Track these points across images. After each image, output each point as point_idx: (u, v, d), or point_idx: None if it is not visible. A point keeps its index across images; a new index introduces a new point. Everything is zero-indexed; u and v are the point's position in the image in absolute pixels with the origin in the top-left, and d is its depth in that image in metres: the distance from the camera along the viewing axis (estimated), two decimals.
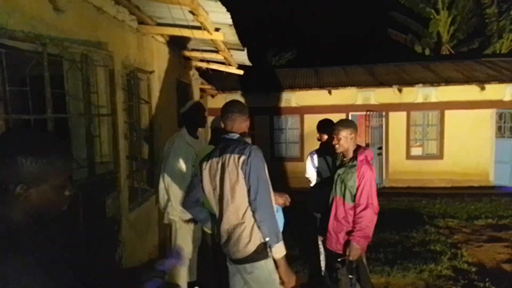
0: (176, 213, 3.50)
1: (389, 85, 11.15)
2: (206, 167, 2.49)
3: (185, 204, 2.71)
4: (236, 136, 2.45)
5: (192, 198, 2.63)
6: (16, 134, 1.15)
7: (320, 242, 3.96)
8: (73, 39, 2.77)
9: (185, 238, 3.56)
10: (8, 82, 2.25)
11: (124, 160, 3.64)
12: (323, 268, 4.04)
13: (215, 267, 3.45)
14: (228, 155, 2.35)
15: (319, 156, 3.97)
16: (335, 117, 3.70)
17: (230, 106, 2.52)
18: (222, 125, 2.53)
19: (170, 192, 3.46)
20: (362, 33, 21.42)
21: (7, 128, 2.15)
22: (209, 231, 3.37)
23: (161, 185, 3.54)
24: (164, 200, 3.57)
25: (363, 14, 21.62)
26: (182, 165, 3.50)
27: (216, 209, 2.50)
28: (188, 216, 3.37)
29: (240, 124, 2.48)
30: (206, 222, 2.69)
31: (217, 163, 2.42)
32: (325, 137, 3.88)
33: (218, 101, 11.52)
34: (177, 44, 5.58)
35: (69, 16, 2.75)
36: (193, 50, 6.03)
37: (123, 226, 3.49)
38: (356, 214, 2.99)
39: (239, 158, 2.30)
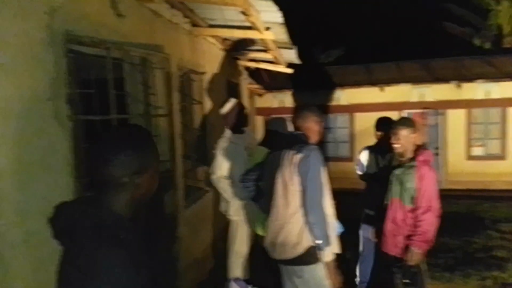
0: (234, 210, 3.59)
1: (447, 80, 10.60)
2: (268, 159, 2.59)
3: (241, 178, 2.90)
4: (301, 134, 2.47)
5: (249, 176, 2.81)
6: (114, 133, 1.31)
7: (361, 246, 3.86)
8: (133, 43, 2.89)
9: (243, 238, 3.64)
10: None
11: (180, 159, 3.76)
12: (357, 274, 3.93)
13: (268, 266, 3.48)
14: (286, 152, 2.38)
15: (370, 152, 3.89)
16: (388, 115, 3.59)
17: (304, 106, 2.62)
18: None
19: (221, 188, 3.54)
20: (415, 27, 20.53)
21: (76, 129, 2.29)
22: (261, 233, 3.43)
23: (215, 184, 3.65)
24: (223, 202, 3.71)
25: (416, 7, 20.71)
26: (229, 164, 3.58)
27: (268, 202, 2.55)
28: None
29: (308, 123, 2.51)
30: (257, 200, 2.82)
31: (276, 157, 2.47)
32: (381, 134, 3.78)
33: (265, 100, 11.55)
34: (227, 45, 5.66)
35: (129, 21, 2.87)
36: (242, 50, 6.09)
37: (179, 222, 3.60)
38: (416, 218, 2.86)
39: (295, 156, 2.30)
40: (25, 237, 1.95)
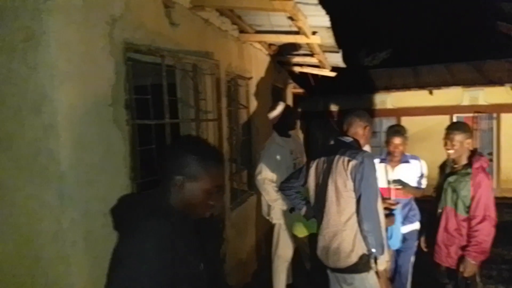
0: (276, 213, 3.60)
1: (501, 83, 10.04)
2: (313, 165, 2.54)
3: (281, 186, 2.86)
4: (350, 140, 2.44)
5: (290, 184, 2.75)
6: (189, 138, 1.68)
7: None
8: (186, 50, 2.99)
9: (286, 242, 3.64)
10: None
11: (226, 162, 3.83)
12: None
13: (310, 271, 3.46)
14: (337, 157, 2.33)
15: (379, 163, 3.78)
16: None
17: (351, 111, 2.58)
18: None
19: (264, 190, 3.55)
20: (466, 26, 19.59)
21: (133, 133, 2.40)
22: (300, 235, 3.39)
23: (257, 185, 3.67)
24: (265, 206, 3.71)
25: (467, 6, 19.76)
26: (274, 166, 3.58)
27: (317, 209, 2.51)
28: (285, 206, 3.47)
29: (356, 128, 2.48)
30: (301, 208, 2.77)
31: (324, 162, 2.44)
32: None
33: (309, 104, 11.46)
34: (273, 50, 5.70)
35: (181, 29, 2.97)
36: (288, 54, 6.10)
37: (226, 224, 3.67)
38: (471, 227, 2.74)
39: (348, 161, 2.27)
40: (84, 235, 2.06)
